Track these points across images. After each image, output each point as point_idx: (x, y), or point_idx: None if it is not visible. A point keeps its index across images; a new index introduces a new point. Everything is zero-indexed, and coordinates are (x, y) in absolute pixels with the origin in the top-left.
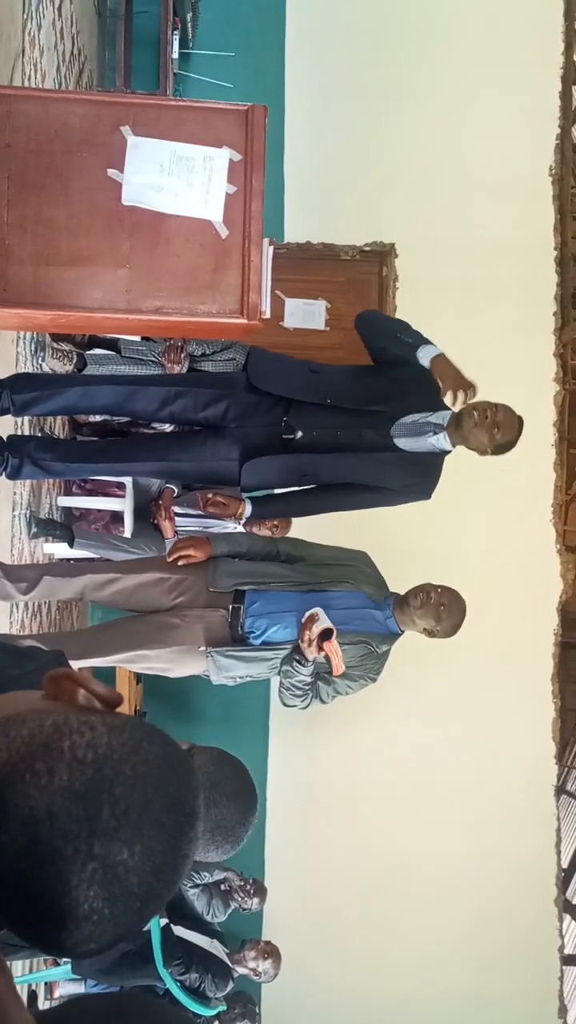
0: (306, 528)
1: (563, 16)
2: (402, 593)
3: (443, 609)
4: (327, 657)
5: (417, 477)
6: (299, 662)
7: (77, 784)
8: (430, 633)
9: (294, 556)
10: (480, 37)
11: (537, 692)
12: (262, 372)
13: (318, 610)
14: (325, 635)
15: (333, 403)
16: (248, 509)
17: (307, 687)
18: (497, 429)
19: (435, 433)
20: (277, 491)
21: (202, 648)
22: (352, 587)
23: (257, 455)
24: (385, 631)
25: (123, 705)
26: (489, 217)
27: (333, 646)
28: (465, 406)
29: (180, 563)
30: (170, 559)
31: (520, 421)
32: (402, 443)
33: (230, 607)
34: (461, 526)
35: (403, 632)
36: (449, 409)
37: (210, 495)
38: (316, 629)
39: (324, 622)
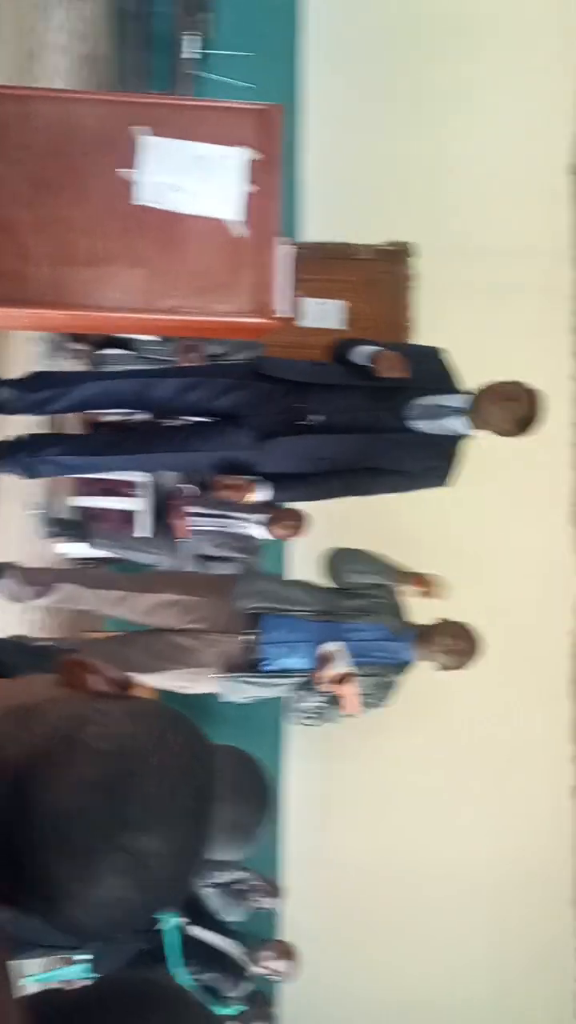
0: (324, 528)
1: None
2: (425, 624)
3: (464, 652)
4: (340, 695)
5: (434, 460)
6: (312, 691)
7: (102, 777)
8: (444, 668)
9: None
10: (499, 37)
11: (554, 693)
12: (272, 364)
13: (338, 648)
14: (343, 678)
15: (346, 383)
16: (259, 492)
17: (319, 712)
18: (515, 403)
19: (454, 415)
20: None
21: (214, 675)
22: (373, 620)
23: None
24: (399, 661)
25: None
26: (507, 216)
27: (352, 689)
28: (485, 387)
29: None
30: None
31: (539, 396)
32: (419, 425)
33: (245, 633)
34: (478, 526)
35: (417, 661)
36: (460, 392)
37: (224, 479)
38: (331, 672)
39: (341, 664)
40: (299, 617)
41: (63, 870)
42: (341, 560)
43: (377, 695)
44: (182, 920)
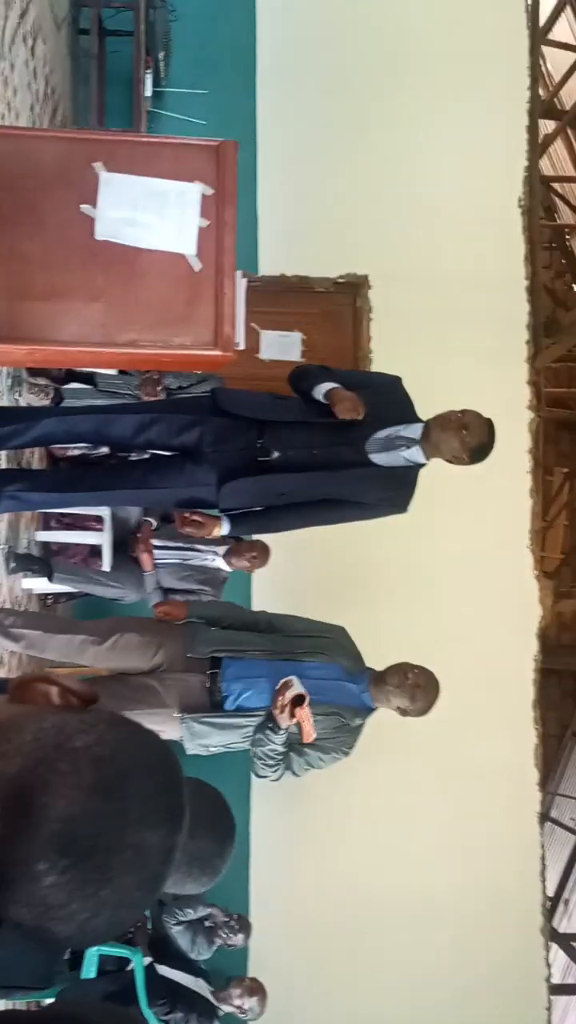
0: (286, 558)
1: (528, 52)
2: (378, 669)
3: (419, 691)
4: (299, 725)
5: (392, 491)
6: (272, 730)
7: (102, 779)
8: (403, 712)
9: (274, 627)
10: (449, 72)
11: (519, 719)
12: (230, 399)
13: (292, 678)
14: (297, 701)
15: (304, 420)
16: (225, 527)
17: (279, 756)
18: (465, 431)
19: (408, 447)
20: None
21: (176, 715)
22: (328, 659)
23: (234, 478)
24: (359, 704)
25: None
26: (461, 248)
27: (305, 712)
28: (435, 418)
29: (157, 616)
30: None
31: (489, 423)
32: (377, 458)
33: (208, 673)
34: (439, 553)
35: (377, 708)
36: (421, 421)
37: (186, 514)
38: (289, 695)
39: (297, 688)
40: (256, 657)
41: (74, 872)
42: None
43: (338, 739)
44: (149, 959)
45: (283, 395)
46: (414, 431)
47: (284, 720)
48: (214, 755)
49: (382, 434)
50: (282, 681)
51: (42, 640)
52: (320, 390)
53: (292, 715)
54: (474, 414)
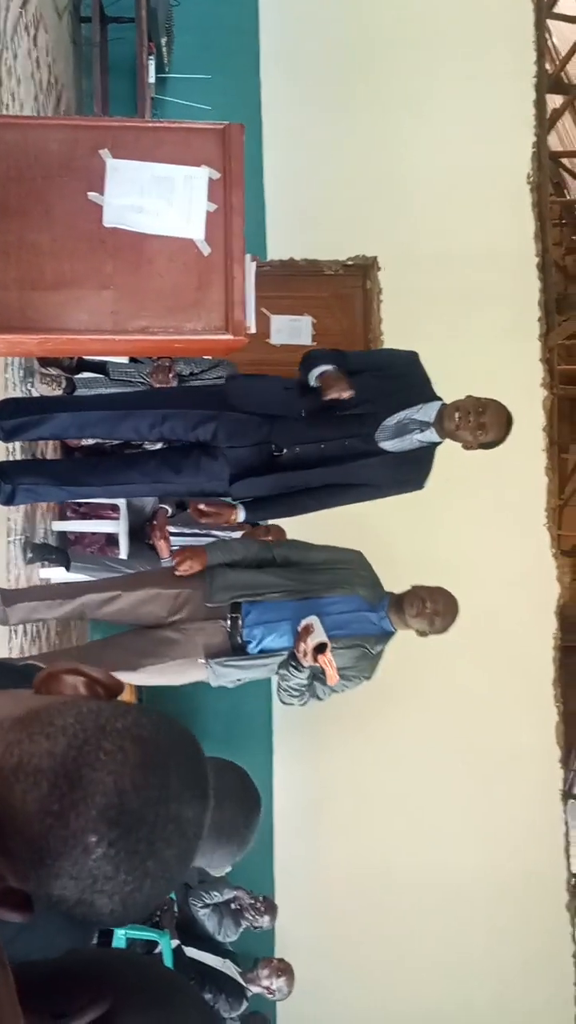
0: (301, 536)
1: (534, 26)
2: (397, 592)
3: (437, 616)
4: (322, 668)
5: (408, 472)
6: (296, 667)
7: (146, 756)
8: (423, 634)
9: (290, 560)
10: (454, 49)
11: (539, 697)
12: (241, 394)
13: (313, 620)
14: (320, 648)
15: (311, 413)
16: (241, 514)
17: (304, 688)
18: (481, 430)
19: (421, 430)
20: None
21: (202, 660)
22: (347, 591)
23: (247, 474)
24: (379, 631)
25: None
26: (471, 226)
27: (327, 658)
28: (451, 404)
29: (179, 574)
30: (176, 570)
31: (508, 418)
32: (388, 445)
33: (228, 618)
34: (456, 533)
35: (396, 631)
36: (434, 399)
37: (201, 505)
38: (311, 642)
39: (319, 634)
40: (276, 599)
41: (122, 844)
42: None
43: (360, 667)
44: (177, 942)
45: (292, 382)
46: (428, 412)
47: (307, 662)
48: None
49: (392, 420)
50: (303, 624)
51: (45, 607)
52: (313, 375)
53: (315, 659)
54: (493, 412)
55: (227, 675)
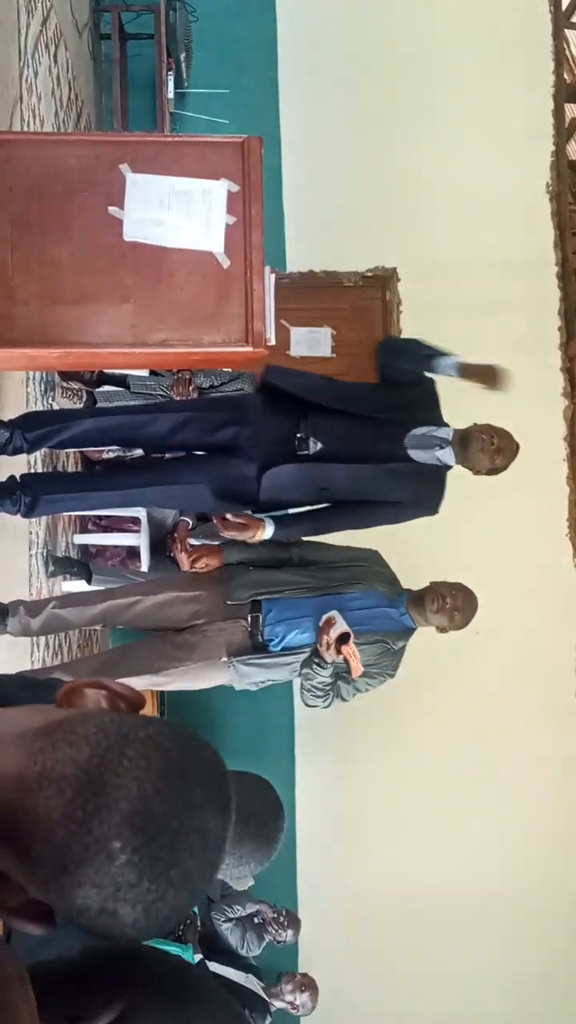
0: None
1: (552, 36)
2: (415, 589)
3: (457, 612)
4: (345, 660)
5: (427, 490)
6: (319, 664)
7: (170, 765)
8: (442, 630)
9: (307, 559)
10: (471, 59)
11: (562, 707)
12: (280, 374)
13: (334, 614)
14: (342, 639)
15: (346, 409)
16: (269, 530)
17: (328, 687)
18: (498, 455)
19: (441, 447)
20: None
21: (224, 659)
22: (366, 587)
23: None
24: (401, 628)
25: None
26: (489, 236)
27: (351, 649)
28: (472, 428)
29: (196, 570)
30: (189, 568)
31: (517, 448)
32: (414, 454)
33: (249, 617)
34: (476, 544)
35: (417, 627)
36: (447, 425)
37: (228, 516)
38: (333, 633)
39: (341, 626)
40: (296, 596)
41: (146, 851)
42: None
43: (383, 663)
44: (200, 956)
45: (332, 378)
46: (446, 432)
47: (330, 656)
48: (260, 737)
49: (420, 431)
50: (324, 618)
51: (71, 615)
52: (447, 364)
53: (338, 652)
54: (509, 439)
55: (250, 675)
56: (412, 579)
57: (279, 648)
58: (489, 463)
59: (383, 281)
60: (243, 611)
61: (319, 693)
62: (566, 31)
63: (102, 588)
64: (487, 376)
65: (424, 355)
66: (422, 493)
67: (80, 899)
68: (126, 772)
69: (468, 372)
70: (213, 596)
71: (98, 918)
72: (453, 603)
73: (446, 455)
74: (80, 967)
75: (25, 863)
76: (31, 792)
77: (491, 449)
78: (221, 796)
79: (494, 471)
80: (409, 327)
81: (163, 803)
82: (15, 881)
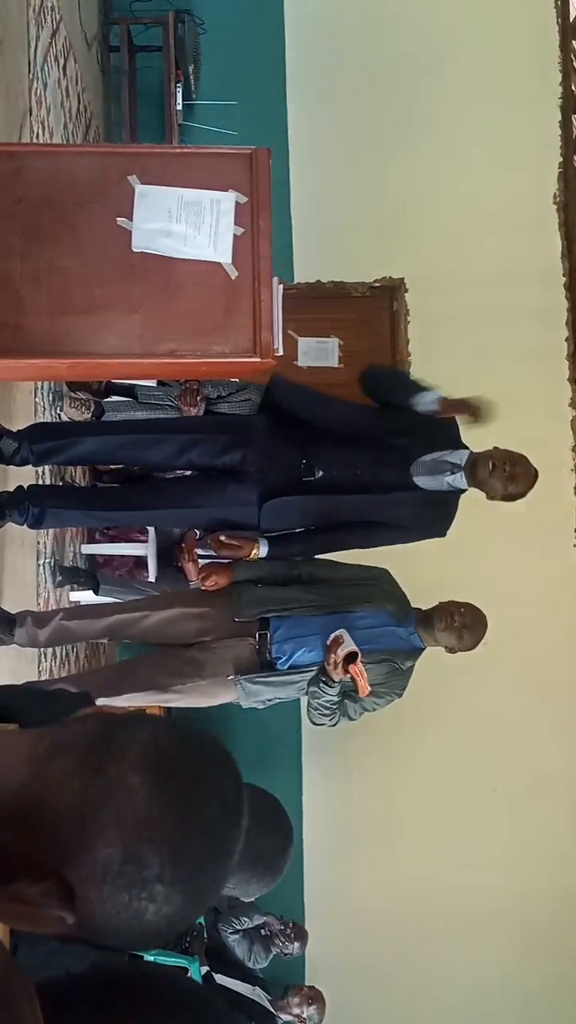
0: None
1: (559, 48)
2: (423, 608)
3: (466, 630)
4: (353, 679)
5: (434, 515)
6: (326, 683)
7: (179, 732)
8: (451, 650)
9: (316, 577)
10: (479, 71)
11: (568, 719)
12: (285, 391)
13: (342, 632)
14: (350, 658)
15: (352, 434)
16: (263, 549)
17: (334, 706)
18: (512, 482)
19: (452, 472)
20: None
21: (231, 677)
22: (374, 606)
23: (276, 498)
24: (409, 647)
25: None
26: (497, 247)
27: (358, 668)
28: (484, 453)
29: (206, 587)
30: (197, 579)
31: (535, 474)
32: (421, 481)
33: (256, 634)
34: (483, 554)
35: (426, 647)
36: (467, 448)
37: (222, 537)
38: (341, 652)
39: (348, 645)
40: (304, 614)
41: (166, 786)
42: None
43: (390, 683)
44: (207, 968)
45: (338, 400)
46: (460, 456)
47: (337, 675)
48: (266, 750)
49: (428, 458)
50: (332, 636)
51: (79, 627)
52: (427, 400)
53: (345, 671)
54: (525, 465)
55: (257, 693)
56: (420, 594)
57: (286, 666)
58: (503, 490)
59: (390, 292)
60: (251, 628)
61: (326, 711)
62: (574, 43)
63: (110, 601)
64: (469, 409)
65: (407, 389)
66: (428, 520)
67: (103, 850)
68: (136, 725)
69: (449, 406)
70: (220, 612)
71: (123, 872)
72: (462, 621)
73: (457, 480)
74: (87, 983)
75: (44, 834)
76: (43, 763)
77: (503, 476)
78: (231, 765)
79: (509, 498)
80: (416, 338)
81: (176, 749)
82: (36, 868)
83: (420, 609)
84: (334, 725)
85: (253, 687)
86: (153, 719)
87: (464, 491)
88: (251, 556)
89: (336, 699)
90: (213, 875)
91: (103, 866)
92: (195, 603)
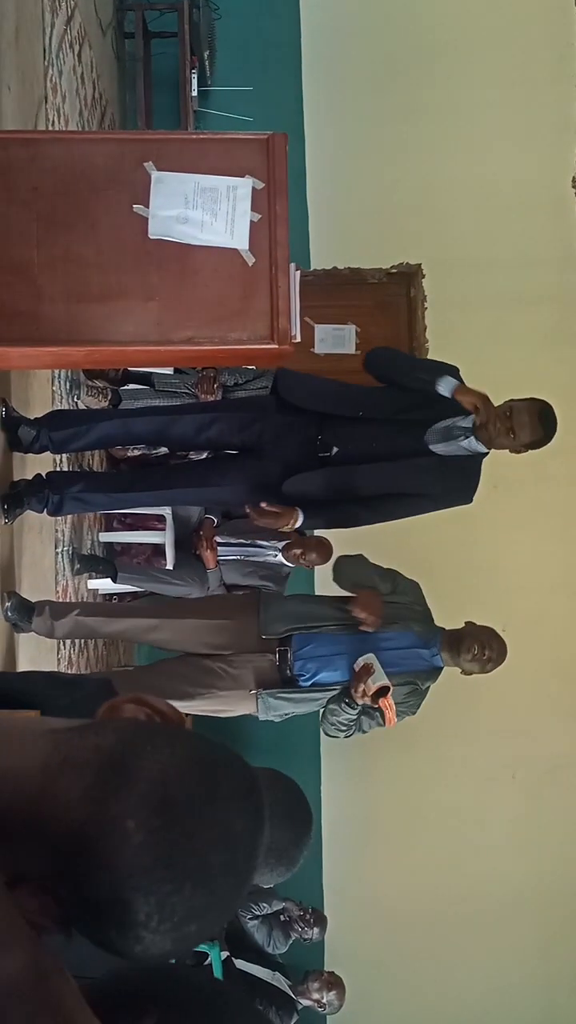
0: (346, 551)
1: None
2: (449, 628)
3: (491, 663)
4: (381, 711)
5: (456, 480)
6: (348, 704)
7: (197, 755)
8: (468, 673)
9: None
10: (495, 55)
11: None
12: (290, 386)
13: (372, 659)
14: (381, 692)
15: (365, 415)
16: (300, 518)
17: (352, 723)
18: (513, 434)
19: (466, 436)
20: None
21: (253, 691)
22: (401, 627)
23: (296, 474)
24: (430, 668)
25: None
26: (514, 231)
27: (388, 702)
28: (481, 417)
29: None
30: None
31: (540, 413)
32: (437, 448)
33: (276, 650)
34: (499, 539)
35: (445, 667)
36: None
37: (263, 504)
38: (372, 685)
39: (380, 677)
40: (329, 632)
41: (163, 834)
42: (344, 565)
43: (409, 702)
44: (227, 953)
45: (345, 383)
46: (470, 420)
47: (363, 701)
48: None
49: (440, 425)
50: (362, 664)
51: (96, 624)
52: (446, 387)
53: (374, 703)
54: (522, 411)
55: (277, 707)
56: (436, 585)
57: (309, 683)
58: (510, 444)
59: (407, 277)
60: (271, 644)
61: (342, 728)
62: None
63: (127, 599)
64: (477, 413)
65: (422, 380)
66: (452, 484)
67: (93, 887)
68: (150, 755)
69: (462, 400)
70: (240, 624)
71: (111, 913)
72: (490, 654)
73: (473, 443)
74: (108, 988)
75: (45, 853)
76: (53, 778)
77: (503, 431)
78: (250, 798)
79: (531, 445)
80: (434, 324)
81: (186, 788)
82: (37, 882)
83: (446, 630)
84: (347, 738)
85: (275, 702)
86: (173, 741)
87: (485, 454)
88: (290, 526)
89: (355, 718)
90: (206, 924)
91: (93, 904)
92: (212, 614)
